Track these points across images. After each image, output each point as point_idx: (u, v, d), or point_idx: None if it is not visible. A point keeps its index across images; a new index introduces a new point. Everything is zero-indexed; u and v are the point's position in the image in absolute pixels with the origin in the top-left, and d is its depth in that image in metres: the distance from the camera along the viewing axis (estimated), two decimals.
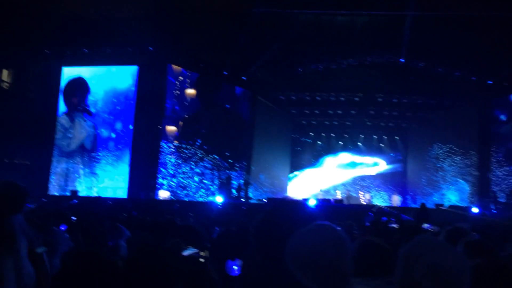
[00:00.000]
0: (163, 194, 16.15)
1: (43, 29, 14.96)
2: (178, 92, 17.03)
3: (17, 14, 14.12)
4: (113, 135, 16.46)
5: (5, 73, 16.88)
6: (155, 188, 15.87)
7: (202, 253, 3.24)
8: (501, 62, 16.21)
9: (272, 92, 20.36)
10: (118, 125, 16.42)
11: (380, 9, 14.85)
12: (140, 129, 15.90)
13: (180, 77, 17.05)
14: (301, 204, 1.74)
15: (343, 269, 0.87)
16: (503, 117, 18.13)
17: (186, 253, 3.19)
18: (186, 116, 17.42)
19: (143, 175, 15.66)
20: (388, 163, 24.26)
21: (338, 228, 0.94)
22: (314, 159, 24.50)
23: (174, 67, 16.77)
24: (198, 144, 17.42)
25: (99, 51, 16.24)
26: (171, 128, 16.74)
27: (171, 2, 13.78)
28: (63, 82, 16.82)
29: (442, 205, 17.44)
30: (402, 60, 17.53)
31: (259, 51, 16.58)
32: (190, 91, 17.44)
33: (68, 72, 16.86)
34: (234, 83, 18.73)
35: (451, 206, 16.94)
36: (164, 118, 16.38)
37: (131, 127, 16.18)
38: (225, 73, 17.76)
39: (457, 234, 3.03)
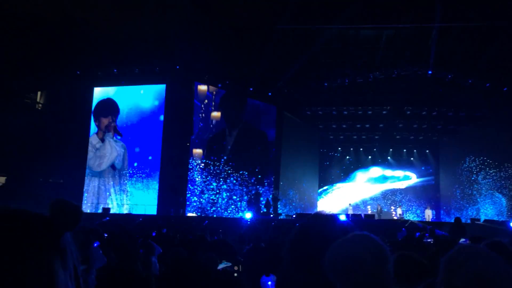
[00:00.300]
0: (191, 215, 16.30)
1: (74, 51, 15.50)
2: (203, 115, 17.23)
3: (49, 37, 14.69)
4: (143, 153, 16.75)
5: (39, 94, 17.53)
6: (184, 204, 15.99)
7: (235, 267, 3.26)
8: None
9: (298, 107, 20.35)
10: (147, 143, 16.70)
11: (406, 22, 14.71)
12: (168, 147, 16.14)
13: (206, 97, 17.29)
14: (335, 218, 1.72)
15: (383, 277, 0.87)
16: None
17: (220, 267, 3.20)
18: (213, 133, 17.59)
19: (172, 192, 15.83)
20: (419, 176, 23.74)
21: (376, 237, 0.93)
22: (343, 174, 24.25)
23: (200, 88, 17.02)
24: (225, 160, 17.52)
25: (128, 71, 16.68)
26: (197, 151, 16.95)
27: (197, 20, 14.05)
28: (94, 103, 17.32)
29: (478, 219, 16.85)
30: (430, 72, 17.28)
31: (285, 67, 16.67)
32: (216, 112, 17.65)
33: (99, 92, 17.36)
34: (260, 99, 18.85)
35: (487, 220, 16.35)
36: (191, 135, 16.58)
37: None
38: (251, 89, 17.91)
39: (496, 248, 2.91)
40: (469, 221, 16.52)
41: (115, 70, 16.81)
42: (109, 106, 17.18)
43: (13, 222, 1.08)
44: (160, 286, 2.49)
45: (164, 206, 15.60)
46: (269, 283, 3.43)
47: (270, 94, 18.62)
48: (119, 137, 16.87)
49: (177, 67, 16.23)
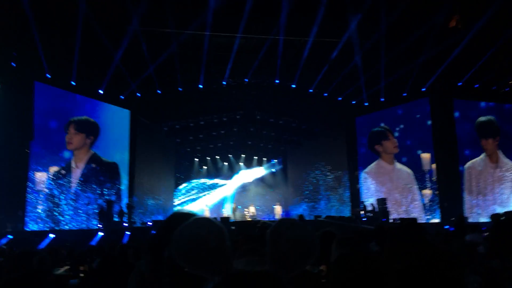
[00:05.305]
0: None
1: None
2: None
3: None
4: None
5: None
6: (23, 219, 14.30)
7: (81, 267, 3.14)
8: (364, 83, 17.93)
9: (153, 113, 19.80)
10: None
11: (254, 33, 15.51)
12: (4, 154, 14.14)
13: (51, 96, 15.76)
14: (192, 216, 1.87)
15: (224, 251, 1.03)
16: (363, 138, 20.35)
17: (58, 272, 3.03)
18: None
19: (8, 205, 13.91)
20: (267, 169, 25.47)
21: (213, 219, 1.10)
22: (199, 179, 24.66)
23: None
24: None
25: None
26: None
27: (38, 14, 12.75)
28: None
29: (320, 216, 18.58)
30: (277, 81, 18.51)
31: (138, 70, 16.19)
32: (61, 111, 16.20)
33: None
34: (111, 102, 17.91)
35: (328, 217, 18.14)
36: (31, 140, 14.91)
37: None
38: (101, 91, 16.91)
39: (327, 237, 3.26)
40: (313, 218, 18.16)
41: None
42: None
43: None
44: None
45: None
46: None
47: (122, 97, 17.87)
48: None
49: (13, 64, 14.48)
